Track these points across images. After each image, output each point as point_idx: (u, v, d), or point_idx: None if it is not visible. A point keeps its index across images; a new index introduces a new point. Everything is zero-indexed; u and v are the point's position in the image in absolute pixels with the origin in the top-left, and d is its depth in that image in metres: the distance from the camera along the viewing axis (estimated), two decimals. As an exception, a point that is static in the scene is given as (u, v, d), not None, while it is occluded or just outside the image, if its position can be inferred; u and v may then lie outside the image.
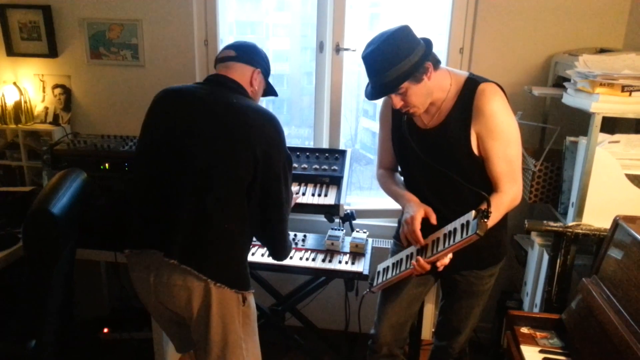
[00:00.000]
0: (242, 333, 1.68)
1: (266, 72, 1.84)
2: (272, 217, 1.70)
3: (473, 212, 1.55)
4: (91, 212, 2.24)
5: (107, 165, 2.41)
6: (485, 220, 1.50)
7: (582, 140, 1.94)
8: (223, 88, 1.70)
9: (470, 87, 1.68)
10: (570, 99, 2.00)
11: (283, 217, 1.72)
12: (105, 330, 2.84)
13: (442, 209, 1.77)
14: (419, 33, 1.66)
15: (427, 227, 1.73)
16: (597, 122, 1.84)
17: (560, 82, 2.21)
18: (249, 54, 1.77)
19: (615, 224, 1.65)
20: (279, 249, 1.81)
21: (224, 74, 1.74)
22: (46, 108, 2.85)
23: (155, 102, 1.73)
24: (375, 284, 1.89)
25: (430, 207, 1.75)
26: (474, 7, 2.47)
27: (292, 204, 1.98)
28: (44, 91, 2.84)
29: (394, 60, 1.58)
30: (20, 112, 2.77)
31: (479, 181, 1.70)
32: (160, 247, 1.59)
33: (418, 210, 1.73)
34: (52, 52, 2.76)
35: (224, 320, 1.63)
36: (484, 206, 1.55)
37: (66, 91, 2.83)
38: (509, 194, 1.69)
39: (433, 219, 1.73)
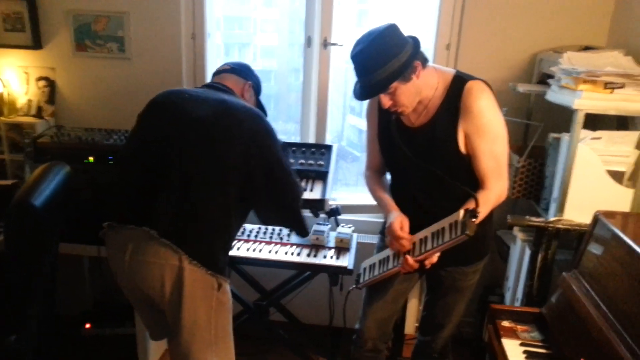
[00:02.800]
0: (214, 319, 1.69)
1: (257, 89, 1.99)
2: (285, 201, 1.78)
3: (462, 212, 1.56)
4: (75, 205, 2.22)
5: (91, 158, 2.39)
6: (474, 220, 1.51)
7: (565, 137, 1.96)
8: (217, 90, 1.81)
9: (458, 85, 1.68)
10: (554, 95, 2.02)
11: (295, 198, 1.81)
12: (88, 325, 2.82)
13: (429, 206, 1.78)
14: (407, 30, 1.66)
15: (414, 227, 1.75)
16: (579, 118, 1.87)
17: (545, 79, 2.23)
18: (242, 70, 1.95)
19: (596, 219, 1.67)
20: (301, 228, 1.89)
21: (218, 81, 1.88)
22: (29, 100, 2.81)
23: (154, 100, 1.79)
24: (361, 280, 1.89)
25: (406, 218, 1.76)
26: (461, 4, 2.48)
27: None
28: (27, 83, 2.81)
29: (383, 60, 1.57)
30: (2, 104, 2.73)
31: (465, 178, 1.71)
32: (141, 223, 1.61)
33: (396, 218, 1.76)
34: (36, 43, 2.72)
35: (196, 302, 1.64)
36: (472, 205, 1.56)
37: (50, 84, 2.79)
38: (495, 191, 1.70)
39: (405, 229, 1.75)
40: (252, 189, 1.68)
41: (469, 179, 1.71)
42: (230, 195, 1.66)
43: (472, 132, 1.66)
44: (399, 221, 1.75)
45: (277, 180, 1.72)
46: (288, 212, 1.83)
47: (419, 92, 1.67)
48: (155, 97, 1.79)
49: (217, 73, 1.94)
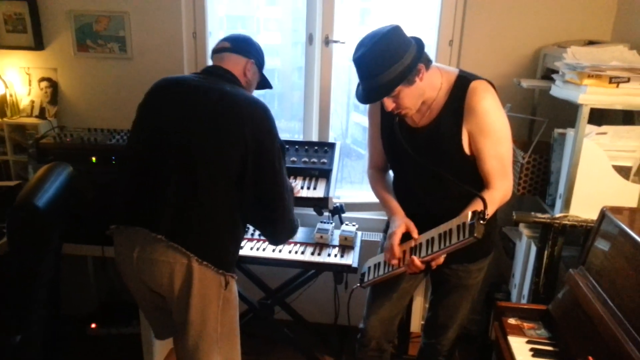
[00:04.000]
0: (220, 317, 1.69)
1: (260, 63, 1.90)
2: (269, 204, 1.71)
3: (469, 214, 1.55)
4: (78, 206, 2.21)
5: (94, 158, 2.39)
6: (482, 222, 1.50)
7: (570, 132, 1.94)
8: (218, 78, 1.74)
9: (462, 85, 1.67)
10: (559, 90, 2.00)
11: (281, 203, 1.72)
12: (93, 325, 2.83)
13: (432, 206, 1.78)
14: (409, 28, 1.64)
15: (421, 226, 1.74)
16: (584, 113, 1.84)
17: (549, 74, 2.21)
18: (242, 46, 1.83)
19: (602, 215, 1.65)
20: (279, 232, 1.79)
21: (218, 64, 1.80)
22: (32, 101, 2.81)
23: (153, 89, 1.75)
24: (366, 279, 1.88)
25: (412, 223, 1.76)
26: (463, 0, 2.46)
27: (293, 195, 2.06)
28: (30, 84, 2.81)
29: (387, 64, 1.55)
30: (5, 105, 2.73)
31: (469, 178, 1.70)
32: (147, 225, 1.60)
33: (399, 226, 1.75)
34: (38, 44, 2.72)
35: (204, 301, 1.64)
36: (479, 207, 1.55)
37: (52, 84, 2.79)
38: (500, 191, 1.69)
39: (415, 234, 1.74)
40: (241, 186, 1.65)
41: (473, 179, 1.71)
42: (233, 190, 1.64)
43: (477, 132, 1.65)
44: (400, 232, 1.74)
45: (266, 182, 1.67)
46: (267, 221, 1.76)
47: (422, 94, 1.66)
48: (153, 87, 1.75)
49: (217, 51, 1.83)
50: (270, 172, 1.66)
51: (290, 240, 2.38)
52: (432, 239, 1.66)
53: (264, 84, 1.97)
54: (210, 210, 1.62)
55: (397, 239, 1.73)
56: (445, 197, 1.75)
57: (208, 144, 1.60)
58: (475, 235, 1.49)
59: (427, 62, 1.64)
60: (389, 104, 1.64)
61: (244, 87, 1.79)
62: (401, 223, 1.76)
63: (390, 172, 1.99)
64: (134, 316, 2.54)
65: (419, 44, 1.62)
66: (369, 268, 1.90)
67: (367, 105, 1.94)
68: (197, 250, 1.59)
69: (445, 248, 1.59)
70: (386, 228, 2.02)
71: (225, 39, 1.86)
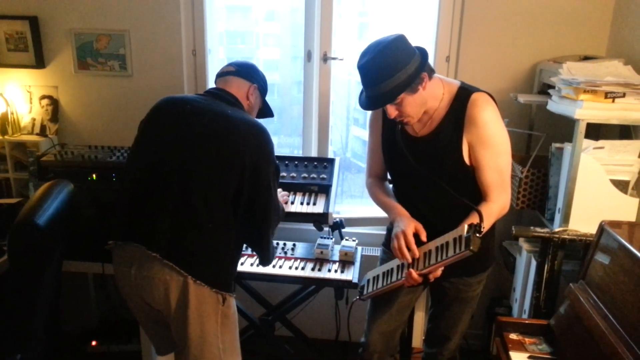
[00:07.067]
0: (219, 333, 1.69)
1: (263, 90, 1.93)
2: (259, 225, 1.73)
3: (466, 227, 1.55)
4: (79, 223, 2.22)
5: (94, 176, 2.40)
6: (478, 235, 1.51)
7: (568, 147, 1.96)
8: (221, 100, 1.76)
9: (463, 96, 1.69)
10: (555, 105, 2.02)
11: (269, 225, 1.75)
12: (94, 343, 2.81)
13: (431, 216, 1.78)
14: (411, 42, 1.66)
15: (417, 240, 1.74)
16: (581, 128, 1.86)
17: (546, 89, 2.23)
18: (247, 71, 1.87)
19: (601, 229, 1.66)
20: (265, 255, 1.83)
21: (222, 87, 1.83)
22: (33, 119, 2.83)
23: (156, 107, 1.77)
24: (365, 292, 1.89)
25: (420, 223, 1.74)
26: (459, 16, 2.49)
27: (283, 205, 2.12)
28: (31, 102, 2.82)
29: (391, 72, 1.57)
30: (6, 123, 2.74)
31: (468, 189, 1.71)
32: (144, 241, 1.61)
33: (409, 225, 1.72)
34: (39, 62, 2.74)
35: (202, 317, 1.64)
36: (475, 220, 1.56)
37: (53, 102, 2.81)
38: (498, 203, 1.70)
39: (423, 236, 1.71)
40: (235, 206, 1.66)
41: (471, 190, 1.72)
42: (229, 211, 1.65)
43: (476, 144, 1.67)
44: (411, 231, 1.70)
45: (259, 204, 1.69)
46: (256, 236, 1.77)
47: (424, 103, 1.68)
48: (157, 105, 1.77)
49: (221, 75, 1.86)
50: (265, 194, 1.69)
51: (291, 256, 2.39)
52: (429, 251, 1.67)
53: (266, 111, 2.00)
54: (207, 233, 1.62)
55: (410, 238, 1.68)
56: (444, 208, 1.76)
57: (206, 167, 1.62)
58: (471, 248, 1.50)
59: (430, 72, 1.66)
60: (392, 111, 1.66)
61: (246, 111, 1.81)
62: (410, 223, 1.73)
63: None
64: (135, 333, 2.53)
65: (422, 53, 1.64)
66: (368, 280, 1.91)
67: (367, 119, 1.96)
68: (192, 271, 1.60)
69: (442, 261, 1.59)
70: (385, 242, 2.03)
71: (231, 64, 1.88)
